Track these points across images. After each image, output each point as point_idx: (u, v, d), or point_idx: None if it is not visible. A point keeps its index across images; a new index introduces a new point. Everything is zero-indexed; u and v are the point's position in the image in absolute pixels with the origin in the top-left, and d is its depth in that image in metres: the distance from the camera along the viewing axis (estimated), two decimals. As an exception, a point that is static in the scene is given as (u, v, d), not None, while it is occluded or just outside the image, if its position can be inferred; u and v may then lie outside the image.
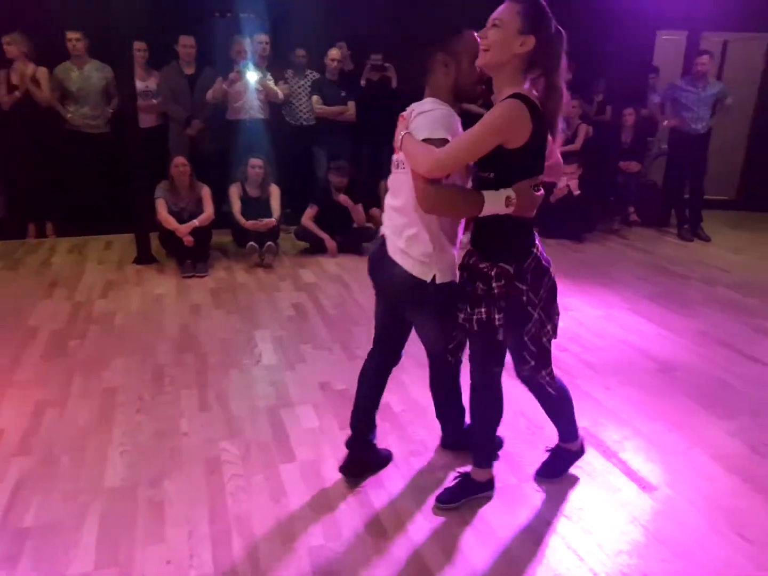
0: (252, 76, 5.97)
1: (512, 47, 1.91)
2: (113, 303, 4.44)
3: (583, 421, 2.97)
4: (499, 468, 2.56)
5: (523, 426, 2.93)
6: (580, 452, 2.59)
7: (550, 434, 2.84)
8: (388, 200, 2.24)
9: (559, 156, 2.21)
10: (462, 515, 2.33)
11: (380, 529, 2.25)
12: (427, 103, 2.09)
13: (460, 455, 2.67)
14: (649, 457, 2.71)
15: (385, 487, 2.48)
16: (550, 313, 2.19)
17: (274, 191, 5.66)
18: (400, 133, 2.07)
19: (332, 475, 2.54)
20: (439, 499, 2.38)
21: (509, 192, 1.97)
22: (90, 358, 3.58)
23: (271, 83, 6.08)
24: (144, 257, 5.35)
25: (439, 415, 2.71)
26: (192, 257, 5.14)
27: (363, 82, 6.52)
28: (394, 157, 2.17)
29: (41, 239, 6.02)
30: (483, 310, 2.10)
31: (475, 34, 2.01)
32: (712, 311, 4.47)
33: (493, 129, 1.90)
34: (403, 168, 2.09)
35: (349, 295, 4.67)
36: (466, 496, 2.39)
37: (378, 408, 2.58)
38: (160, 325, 4.05)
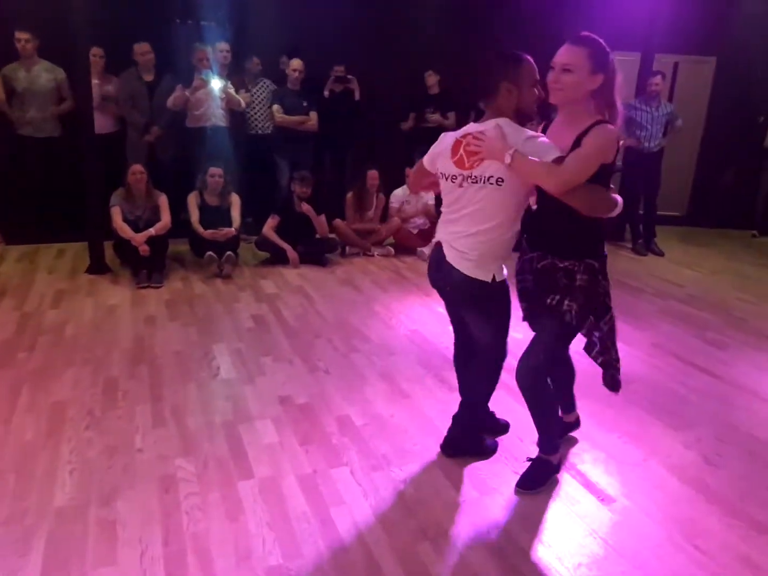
0: (216, 83, 5.91)
1: (585, 87, 2.19)
2: (64, 313, 4.30)
3: (542, 433, 3.00)
4: (460, 481, 2.56)
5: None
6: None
7: (509, 446, 2.86)
8: (452, 213, 2.42)
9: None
10: (422, 529, 2.31)
11: (340, 546, 2.21)
12: (507, 125, 2.29)
13: (425, 471, 2.66)
14: (607, 469, 2.74)
15: (346, 502, 2.45)
16: (610, 315, 2.45)
17: (235, 200, 5.60)
18: (493, 150, 2.24)
19: (292, 492, 2.50)
20: (520, 485, 2.55)
21: (620, 199, 2.30)
22: (39, 370, 3.45)
23: (232, 91, 6.03)
24: (97, 266, 5.20)
25: (458, 415, 2.77)
26: (147, 267, 5.02)
27: (326, 93, 6.53)
28: (464, 172, 2.34)
29: (-11, 247, 5.82)
30: (567, 300, 2.32)
31: (547, 77, 2.25)
32: (666, 324, 4.58)
33: (600, 151, 2.19)
34: (499, 184, 2.28)
35: (311, 306, 4.63)
36: (548, 479, 2.58)
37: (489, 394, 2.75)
38: (113, 337, 3.94)
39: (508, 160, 2.20)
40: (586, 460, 2.81)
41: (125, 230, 5.05)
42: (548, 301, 2.35)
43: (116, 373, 3.45)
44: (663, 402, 3.38)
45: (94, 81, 5.43)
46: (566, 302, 2.32)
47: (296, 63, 6.24)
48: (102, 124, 5.61)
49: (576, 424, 2.95)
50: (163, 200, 5.27)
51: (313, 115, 6.37)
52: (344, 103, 6.53)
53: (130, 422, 2.97)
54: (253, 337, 4.03)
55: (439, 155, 2.45)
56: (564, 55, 2.19)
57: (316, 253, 5.77)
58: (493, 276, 2.38)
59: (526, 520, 2.40)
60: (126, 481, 2.52)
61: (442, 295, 2.60)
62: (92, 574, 2.05)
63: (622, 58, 8.23)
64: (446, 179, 2.40)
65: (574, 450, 2.88)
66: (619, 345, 4.04)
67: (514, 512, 2.44)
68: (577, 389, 3.46)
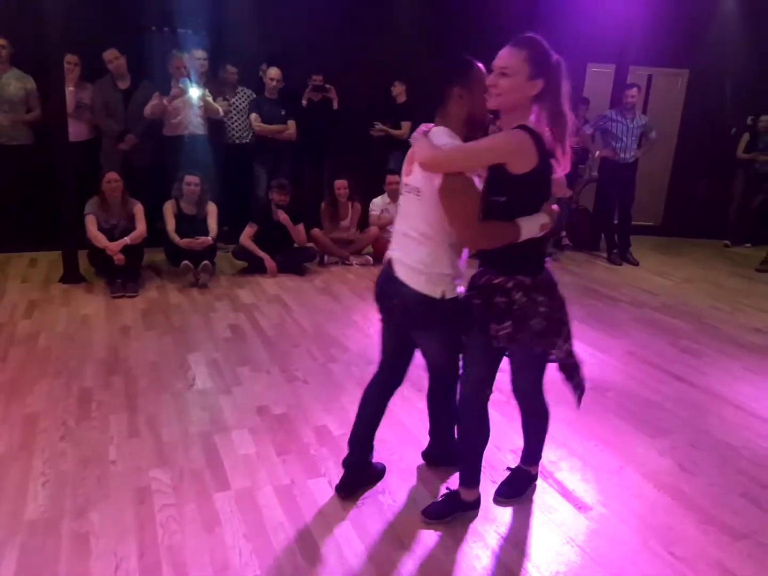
0: (194, 92, 5.88)
1: (524, 92, 2.05)
2: (37, 324, 4.22)
3: (519, 441, 2.99)
4: (437, 490, 2.56)
5: (462, 448, 2.93)
6: (535, 477, 2.66)
7: (486, 455, 2.86)
8: (400, 224, 2.32)
9: (561, 173, 2.27)
10: (400, 539, 2.30)
11: (317, 557, 2.19)
12: (443, 135, 2.17)
13: (404, 482, 2.66)
14: (584, 477, 2.76)
15: (324, 513, 2.43)
16: (566, 330, 2.27)
17: (212, 209, 5.55)
18: (415, 144, 2.17)
19: (269, 502, 2.47)
20: (426, 514, 2.42)
21: (544, 218, 2.12)
22: (11, 381, 3.38)
23: (210, 99, 6.00)
24: (71, 276, 5.12)
25: (432, 431, 2.74)
26: (122, 276, 4.96)
27: (304, 102, 6.53)
28: (405, 179, 2.27)
29: (-41, 256, 5.70)
30: (508, 324, 2.16)
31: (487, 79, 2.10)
32: (641, 332, 4.63)
33: (489, 148, 2.08)
34: (417, 194, 2.21)
35: (289, 316, 4.60)
36: (453, 513, 2.43)
37: (377, 428, 2.60)
38: (88, 347, 3.88)
39: (413, 142, 2.17)
40: (563, 468, 2.82)
41: (100, 239, 4.98)
42: (495, 326, 2.19)
43: (90, 384, 3.39)
44: (638, 410, 3.41)
45: (69, 88, 5.38)
46: (493, 326, 2.18)
47: (274, 72, 6.23)
48: (77, 131, 5.54)
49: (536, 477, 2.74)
50: (138, 209, 5.21)
51: (291, 124, 6.36)
52: (322, 112, 6.54)
53: (104, 433, 2.92)
54: (230, 347, 3.99)
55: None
56: (502, 57, 2.05)
57: (294, 262, 5.75)
58: (443, 292, 2.23)
59: (504, 528, 2.40)
60: (100, 493, 2.48)
61: (387, 315, 2.43)
62: (64, 588, 2.01)
63: (597, 70, 8.43)
64: (402, 192, 2.35)
65: (551, 458, 2.89)
66: (594, 353, 4.13)
67: (491, 520, 2.44)
68: (553, 396, 3.48)
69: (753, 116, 7.71)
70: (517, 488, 2.60)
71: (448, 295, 2.24)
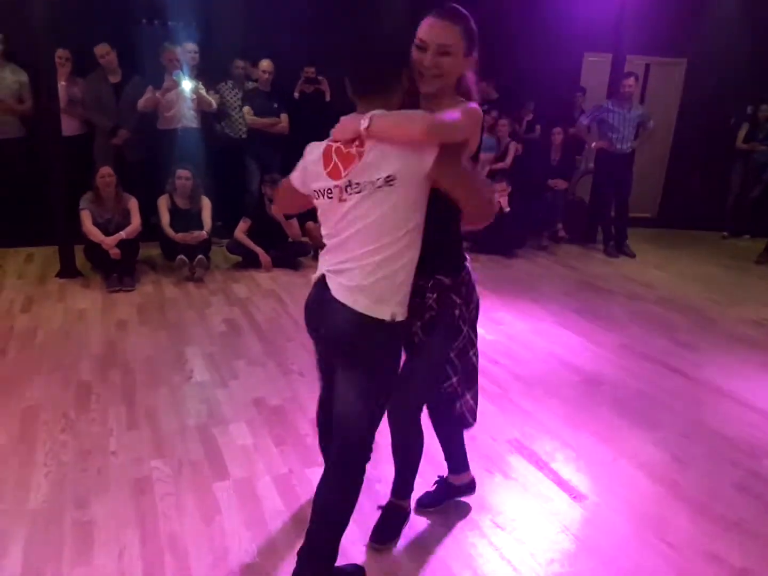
0: (187, 84, 5.86)
1: (460, 70, 1.86)
2: (35, 318, 4.22)
3: (514, 432, 3.03)
4: (433, 480, 2.57)
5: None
6: (471, 486, 2.47)
7: (482, 446, 2.88)
8: (334, 237, 1.87)
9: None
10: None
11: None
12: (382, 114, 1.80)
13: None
14: (578, 468, 2.78)
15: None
16: (475, 332, 2.12)
17: (206, 203, 5.55)
18: (345, 127, 1.80)
19: (267, 492, 2.49)
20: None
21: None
22: (10, 376, 3.40)
23: (203, 92, 5.98)
24: (68, 271, 5.12)
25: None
26: (118, 271, 4.96)
27: (296, 95, 6.50)
28: (339, 182, 1.79)
29: (-46, 252, 5.69)
30: (420, 323, 1.99)
31: (419, 62, 1.82)
32: (636, 325, 4.64)
33: (473, 122, 1.82)
34: (379, 186, 1.76)
35: (284, 310, 4.61)
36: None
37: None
38: (85, 342, 3.88)
39: (365, 123, 1.72)
40: (558, 458, 2.84)
41: (95, 233, 4.98)
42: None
43: (88, 378, 3.41)
44: (632, 402, 3.43)
45: (61, 83, 5.35)
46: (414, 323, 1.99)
47: (266, 64, 6.19)
48: (69, 126, 5.50)
49: (472, 486, 2.52)
50: (133, 203, 5.20)
51: (284, 117, 6.34)
52: (315, 105, 6.52)
53: (104, 425, 2.94)
54: (226, 341, 4.00)
55: (309, 172, 1.89)
56: (440, 33, 1.78)
57: (288, 256, 5.74)
58: (393, 314, 1.84)
59: (499, 518, 2.42)
60: (101, 484, 2.51)
61: (320, 341, 2.04)
62: (70, 574, 2.05)
63: (593, 59, 8.40)
64: (322, 196, 1.85)
65: (546, 449, 2.90)
66: (589, 346, 4.15)
67: (486, 509, 2.46)
68: (549, 389, 3.51)
69: (753, 106, 7.67)
70: (440, 497, 2.47)
71: (399, 317, 1.88)
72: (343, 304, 1.84)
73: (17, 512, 2.33)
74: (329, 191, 1.82)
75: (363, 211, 1.79)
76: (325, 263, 1.92)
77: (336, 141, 1.82)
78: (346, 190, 1.79)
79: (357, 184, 1.77)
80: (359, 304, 1.82)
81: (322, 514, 1.95)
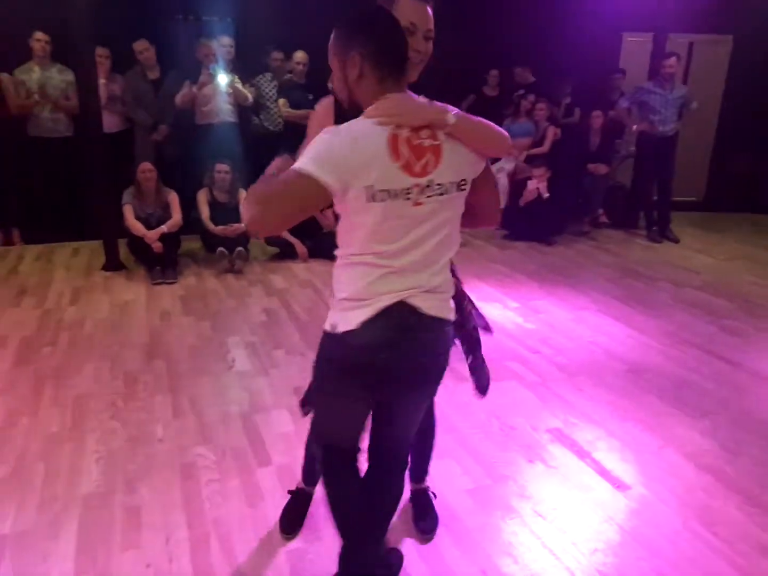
0: (222, 78, 5.92)
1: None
2: (82, 310, 4.35)
3: (555, 422, 3.00)
4: (473, 469, 2.56)
5: (496, 428, 2.93)
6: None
7: (522, 435, 2.85)
8: (404, 253, 1.54)
9: None
10: (439, 517, 2.32)
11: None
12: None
13: (437, 458, 2.66)
14: (622, 457, 2.73)
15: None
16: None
17: (243, 196, 5.60)
18: (430, 118, 1.51)
19: (306, 481, 2.52)
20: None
21: None
22: (61, 365, 3.51)
23: (239, 85, 6.03)
24: (112, 264, 5.25)
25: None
26: (161, 264, 5.06)
27: (330, 86, 6.48)
28: (422, 181, 1.49)
29: (8, 247, 5.87)
30: None
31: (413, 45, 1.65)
32: (681, 312, 4.53)
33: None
34: (460, 189, 1.56)
35: (321, 300, 4.64)
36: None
37: None
38: (130, 332, 3.98)
39: (452, 120, 1.49)
40: (601, 448, 2.80)
41: (137, 227, 5.09)
42: None
43: (134, 367, 3.50)
44: (678, 390, 3.35)
45: (101, 81, 5.45)
46: None
47: (301, 55, 6.18)
48: (110, 123, 5.62)
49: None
50: (173, 198, 5.29)
51: (319, 109, 6.33)
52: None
53: (151, 413, 3.02)
54: (266, 331, 4.05)
55: (356, 163, 1.45)
56: (427, 17, 1.67)
57: (324, 247, 5.76)
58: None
59: (541, 507, 2.40)
60: (149, 469, 2.58)
61: (384, 375, 1.62)
62: (120, 556, 2.12)
63: (633, 39, 8.15)
64: (390, 197, 1.47)
65: (588, 438, 2.86)
66: (633, 334, 4.07)
67: (528, 499, 2.44)
68: (591, 378, 3.45)
69: None
70: (435, 515, 2.33)
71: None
72: (439, 319, 1.61)
73: (70, 497, 2.42)
74: (407, 192, 1.48)
75: (442, 219, 1.55)
76: (397, 284, 1.56)
77: (400, 127, 1.48)
78: (426, 192, 1.50)
79: (439, 185, 1.51)
80: (450, 312, 1.67)
81: (383, 517, 1.87)
